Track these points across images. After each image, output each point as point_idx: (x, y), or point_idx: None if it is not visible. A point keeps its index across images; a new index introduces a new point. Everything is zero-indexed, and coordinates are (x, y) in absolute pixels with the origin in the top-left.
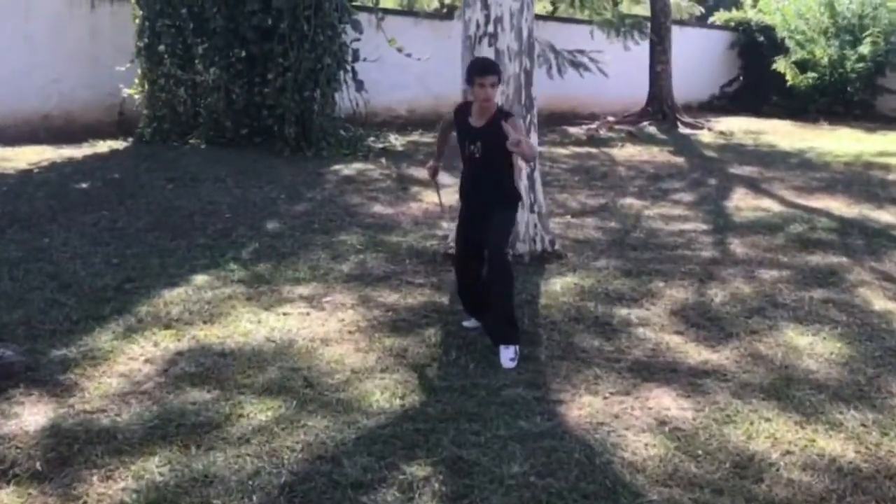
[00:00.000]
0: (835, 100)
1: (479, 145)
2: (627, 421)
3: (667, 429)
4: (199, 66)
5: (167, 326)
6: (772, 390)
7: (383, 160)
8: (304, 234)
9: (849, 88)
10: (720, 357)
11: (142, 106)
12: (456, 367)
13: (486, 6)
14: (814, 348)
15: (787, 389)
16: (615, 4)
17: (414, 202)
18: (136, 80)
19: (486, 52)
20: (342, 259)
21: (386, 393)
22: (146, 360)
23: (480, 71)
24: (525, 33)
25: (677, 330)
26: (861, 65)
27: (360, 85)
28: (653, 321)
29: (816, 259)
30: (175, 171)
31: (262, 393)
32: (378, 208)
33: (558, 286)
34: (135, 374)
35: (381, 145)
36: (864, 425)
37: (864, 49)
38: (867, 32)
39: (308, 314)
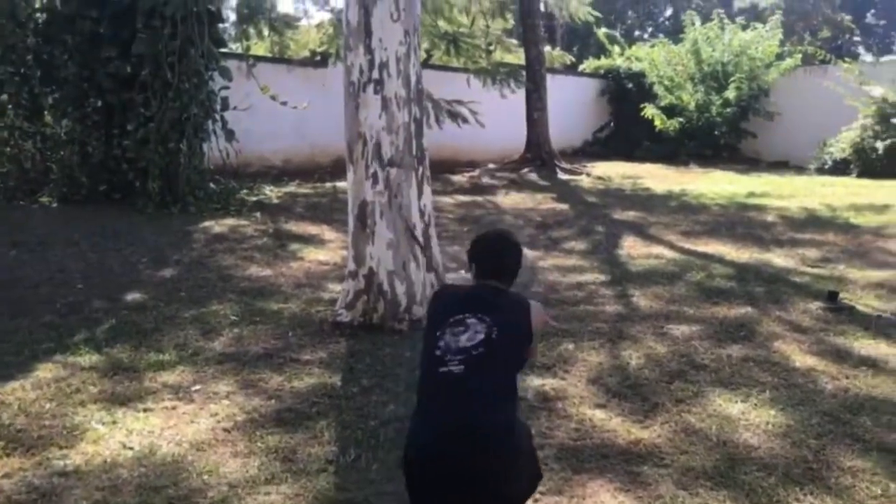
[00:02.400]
0: (703, 143)
1: None
2: None
3: None
4: (48, 118)
5: None
6: (717, 475)
7: (258, 214)
8: (169, 305)
9: (715, 132)
10: (652, 435)
11: None
12: (355, 471)
13: (369, 51)
14: (748, 418)
15: (734, 473)
16: (489, 53)
17: (294, 261)
18: None
19: (371, 99)
20: (214, 334)
21: None
22: None
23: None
24: (413, 80)
25: (599, 403)
26: (726, 109)
27: (230, 135)
28: (571, 393)
29: (723, 310)
30: (20, 233)
31: None
32: (254, 270)
33: None
34: None
35: (255, 198)
36: None
37: (730, 94)
38: (732, 78)
39: (174, 409)
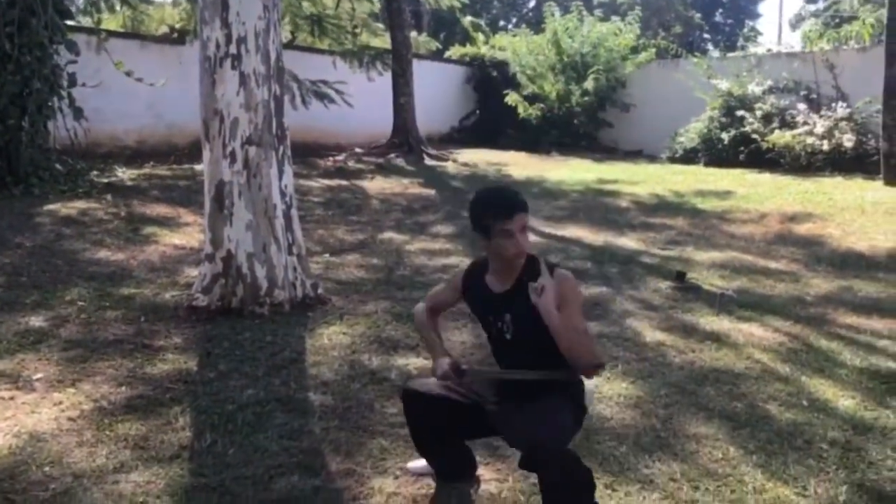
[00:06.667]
0: (563, 132)
1: (509, 320)
2: None
3: None
4: None
5: None
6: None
7: (109, 197)
8: (10, 292)
9: (575, 121)
10: None
11: None
12: (211, 456)
13: (226, 24)
14: (601, 390)
15: (588, 443)
16: (354, 35)
17: (148, 245)
18: None
19: (228, 75)
20: (60, 321)
21: None
22: None
23: (506, 209)
24: (273, 56)
25: None
26: (585, 99)
27: (78, 112)
28: None
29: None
30: None
31: None
32: (105, 254)
33: (325, 338)
34: None
35: (106, 180)
36: (673, 479)
37: (588, 85)
38: (591, 69)
39: (12, 398)
